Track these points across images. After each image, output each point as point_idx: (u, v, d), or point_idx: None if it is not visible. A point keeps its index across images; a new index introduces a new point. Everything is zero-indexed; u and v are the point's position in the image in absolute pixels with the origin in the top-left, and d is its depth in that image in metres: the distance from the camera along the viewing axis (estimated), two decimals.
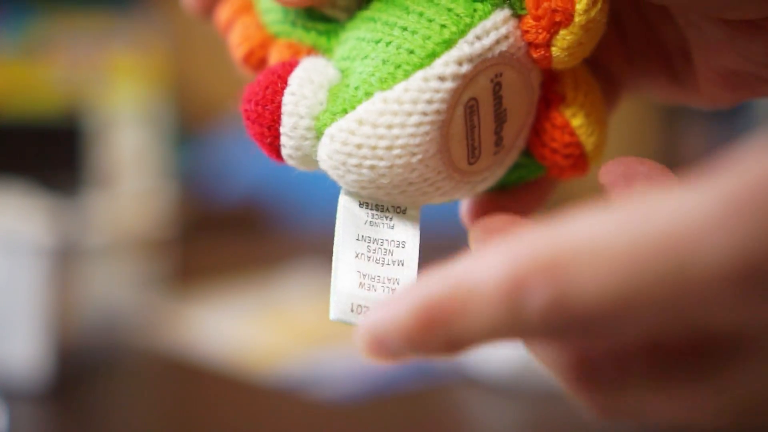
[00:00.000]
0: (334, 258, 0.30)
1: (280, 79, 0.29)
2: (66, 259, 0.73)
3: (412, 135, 0.28)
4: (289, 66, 0.29)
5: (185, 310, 0.91)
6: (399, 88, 0.28)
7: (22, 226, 0.72)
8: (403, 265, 0.30)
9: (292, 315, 0.90)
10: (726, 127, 1.96)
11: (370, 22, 0.29)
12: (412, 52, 0.28)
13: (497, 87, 0.29)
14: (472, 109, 0.28)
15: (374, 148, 0.28)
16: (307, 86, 0.29)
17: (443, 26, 0.28)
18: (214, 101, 1.59)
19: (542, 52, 0.29)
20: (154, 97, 1.36)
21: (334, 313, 0.29)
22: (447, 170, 0.29)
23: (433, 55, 0.28)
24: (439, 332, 0.21)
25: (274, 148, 0.30)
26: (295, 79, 0.29)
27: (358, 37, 0.29)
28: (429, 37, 0.28)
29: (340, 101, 0.28)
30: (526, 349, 0.25)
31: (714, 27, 0.30)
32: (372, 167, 0.28)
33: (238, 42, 0.32)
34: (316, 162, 0.29)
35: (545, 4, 0.28)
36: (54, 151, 1.32)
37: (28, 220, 0.73)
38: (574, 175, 0.31)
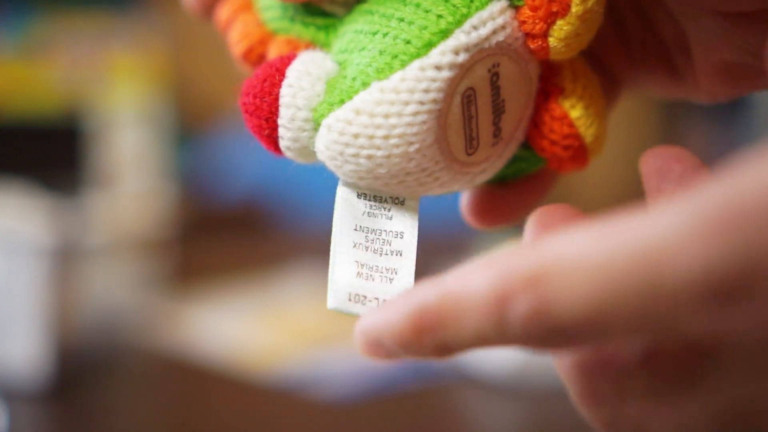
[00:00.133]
0: (331, 248, 0.30)
1: (278, 72, 0.29)
2: (66, 259, 0.73)
3: (409, 124, 0.28)
4: (287, 59, 0.30)
5: (185, 310, 0.91)
6: (396, 77, 0.28)
7: (22, 226, 0.72)
8: (401, 255, 0.30)
9: (292, 315, 0.90)
10: (726, 127, 1.96)
11: (368, 15, 0.29)
12: (408, 42, 0.28)
13: (495, 77, 0.29)
14: (469, 99, 0.29)
15: (371, 137, 0.28)
16: (304, 78, 0.29)
17: (440, 16, 0.28)
18: (214, 101, 1.59)
19: (539, 43, 0.29)
20: (154, 97, 1.36)
21: (331, 303, 0.30)
22: (445, 161, 0.29)
23: (429, 45, 0.28)
24: (430, 337, 0.22)
25: (272, 140, 0.30)
26: (293, 71, 0.29)
27: (356, 30, 0.29)
28: (425, 27, 0.28)
29: (338, 92, 0.29)
30: (551, 359, 0.27)
31: (711, 20, 0.30)
32: (369, 157, 0.28)
33: (237, 39, 0.32)
34: (314, 153, 0.30)
35: None
36: (54, 151, 1.32)
37: (28, 220, 0.73)
38: (574, 168, 0.32)
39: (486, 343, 0.22)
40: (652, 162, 0.28)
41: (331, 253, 0.30)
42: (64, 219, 0.76)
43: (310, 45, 0.31)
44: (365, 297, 0.29)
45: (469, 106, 0.29)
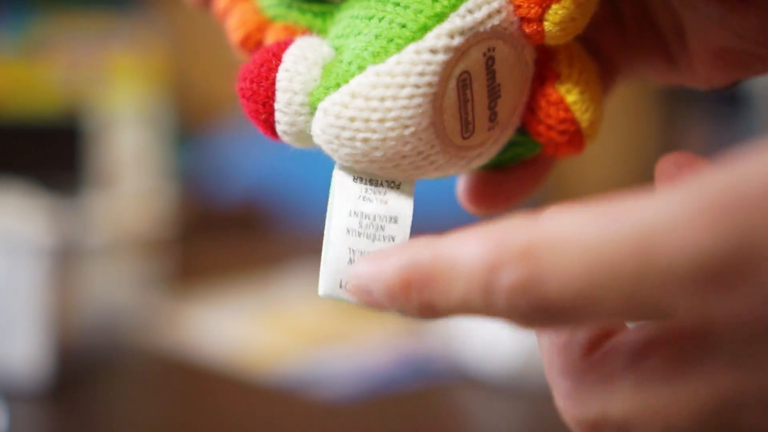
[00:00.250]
0: (324, 233, 0.30)
1: (274, 57, 0.29)
2: (66, 259, 0.73)
3: (405, 107, 0.28)
4: (284, 44, 0.30)
5: (185, 310, 0.91)
6: (391, 61, 0.28)
7: (22, 226, 0.72)
8: (393, 240, 0.30)
9: (292, 315, 0.90)
10: (726, 126, 1.96)
11: (364, 1, 0.29)
12: (404, 26, 0.28)
13: (490, 61, 0.29)
14: (464, 82, 0.29)
15: (367, 120, 0.28)
16: (301, 63, 0.29)
17: (435, 0, 0.28)
18: (214, 101, 1.59)
19: (535, 27, 0.29)
20: (154, 97, 1.36)
21: (322, 289, 0.30)
22: (441, 144, 0.29)
23: (424, 29, 0.28)
24: (417, 294, 0.23)
25: (269, 125, 0.30)
26: (289, 56, 0.29)
27: (352, 16, 0.29)
28: (421, 11, 0.28)
29: (334, 76, 0.29)
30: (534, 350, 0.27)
31: (707, 5, 0.30)
32: (365, 140, 0.29)
33: (235, 26, 0.32)
34: (311, 138, 0.30)
35: None
36: (54, 151, 1.32)
37: (28, 220, 0.73)
38: (570, 153, 0.32)
39: (471, 310, 0.22)
40: (666, 167, 0.28)
41: (324, 238, 0.30)
42: (64, 219, 0.76)
43: (307, 31, 0.31)
44: None
45: (465, 89, 0.29)
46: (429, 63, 0.28)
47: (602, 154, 1.92)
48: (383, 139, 0.28)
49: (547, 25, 0.29)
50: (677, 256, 0.20)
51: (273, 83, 0.29)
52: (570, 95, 0.31)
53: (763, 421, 0.22)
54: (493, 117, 0.30)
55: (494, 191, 0.34)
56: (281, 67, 0.29)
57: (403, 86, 0.28)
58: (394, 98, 0.28)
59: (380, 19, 0.28)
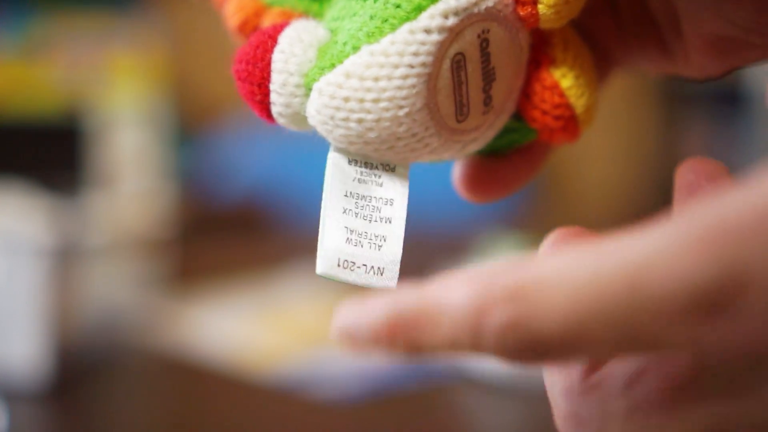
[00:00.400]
0: (321, 213, 0.30)
1: (270, 39, 0.29)
2: (66, 259, 0.73)
3: (399, 87, 0.28)
4: (280, 27, 0.30)
5: (185, 310, 0.91)
6: (386, 41, 0.28)
7: (22, 226, 0.72)
8: (390, 222, 0.30)
9: (292, 315, 0.90)
10: (726, 125, 1.96)
11: None
12: (398, 6, 0.28)
13: (484, 43, 0.29)
14: (459, 64, 0.29)
15: (361, 101, 0.28)
16: (297, 45, 0.29)
17: None
18: (214, 101, 1.59)
19: (529, 10, 0.29)
20: (154, 97, 1.36)
21: (320, 268, 0.30)
22: (435, 126, 0.29)
23: (419, 9, 0.28)
24: (403, 338, 0.23)
25: (265, 107, 0.30)
26: (285, 38, 0.29)
27: None
28: None
29: (329, 57, 0.29)
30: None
31: None
32: (359, 120, 0.29)
33: (232, 12, 0.32)
34: (306, 119, 0.30)
35: None
36: (54, 151, 1.32)
37: (28, 220, 0.73)
38: (566, 140, 0.32)
39: (459, 349, 0.23)
40: (685, 175, 0.28)
41: (321, 218, 0.30)
42: (64, 219, 0.76)
43: (304, 16, 0.31)
44: (354, 263, 0.30)
45: (459, 71, 0.29)
46: (423, 43, 0.28)
47: (602, 154, 1.92)
48: (378, 120, 0.29)
49: (542, 8, 0.29)
50: (665, 287, 0.20)
51: (268, 64, 0.29)
52: (565, 80, 0.31)
53: None
54: (487, 101, 0.30)
55: (490, 178, 0.34)
56: (277, 49, 0.29)
57: (397, 66, 0.28)
58: (389, 78, 0.28)
59: (375, 0, 0.29)
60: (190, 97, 1.58)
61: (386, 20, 0.28)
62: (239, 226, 1.33)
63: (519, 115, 0.32)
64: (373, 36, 0.28)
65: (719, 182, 0.27)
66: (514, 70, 0.30)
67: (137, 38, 1.36)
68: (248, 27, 0.32)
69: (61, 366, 0.72)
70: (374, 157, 0.30)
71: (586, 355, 0.23)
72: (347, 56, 0.28)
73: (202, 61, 1.51)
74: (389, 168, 0.30)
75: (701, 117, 2.01)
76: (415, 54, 0.28)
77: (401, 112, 0.28)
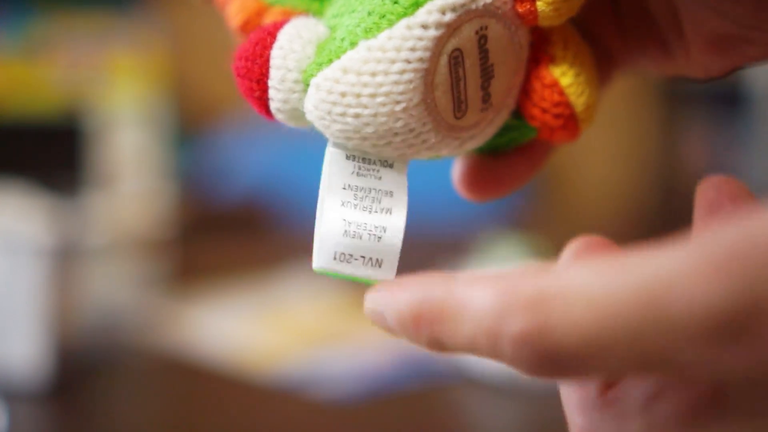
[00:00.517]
0: (318, 207, 0.30)
1: (269, 35, 0.30)
2: (66, 259, 0.73)
3: (396, 83, 0.28)
4: (280, 24, 0.30)
5: (185, 310, 0.91)
6: (383, 36, 0.28)
7: (22, 226, 0.72)
8: (390, 213, 0.30)
9: (292, 315, 0.90)
10: (726, 125, 1.96)
11: None
12: (396, 2, 0.28)
13: (482, 40, 0.29)
14: (456, 60, 0.29)
15: (358, 96, 0.28)
16: (296, 41, 0.29)
17: None
18: (214, 101, 1.59)
19: (528, 7, 0.29)
20: (154, 97, 1.36)
21: (317, 262, 0.30)
22: (433, 122, 0.29)
23: (416, 5, 0.28)
24: (426, 329, 0.23)
25: (263, 103, 0.30)
26: (284, 34, 0.29)
27: None
28: None
29: (326, 52, 0.29)
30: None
31: None
32: (356, 115, 0.29)
33: (235, 12, 0.32)
34: (305, 115, 0.30)
35: None
36: (54, 151, 1.32)
37: (28, 220, 0.73)
38: (566, 138, 0.32)
39: (477, 351, 0.23)
40: (707, 192, 0.28)
41: (318, 212, 0.30)
42: (64, 219, 0.76)
43: (305, 15, 0.31)
44: (351, 255, 0.29)
45: (457, 67, 0.29)
46: (420, 38, 0.28)
47: (602, 154, 1.91)
48: (374, 115, 0.29)
49: (540, 5, 0.29)
50: (686, 309, 0.20)
51: (267, 60, 0.29)
52: (565, 78, 0.31)
53: None
54: (486, 98, 0.30)
55: (490, 177, 0.34)
56: (275, 45, 0.29)
57: (394, 61, 0.28)
58: (386, 73, 0.28)
59: None
60: (190, 97, 1.58)
61: (384, 16, 0.28)
62: (239, 226, 1.33)
63: (519, 114, 0.32)
64: (370, 31, 0.28)
65: (741, 203, 0.27)
66: (513, 67, 0.30)
67: (137, 38, 1.36)
68: (250, 26, 0.32)
69: (61, 366, 0.72)
70: (372, 153, 0.30)
71: (603, 371, 0.23)
72: (344, 52, 0.28)
73: (202, 61, 1.51)
74: (387, 164, 0.30)
75: (701, 117, 2.01)
76: (412, 49, 0.28)
77: (398, 108, 0.28)
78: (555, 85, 0.31)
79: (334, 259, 0.29)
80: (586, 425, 0.26)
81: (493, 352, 0.22)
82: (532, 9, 0.29)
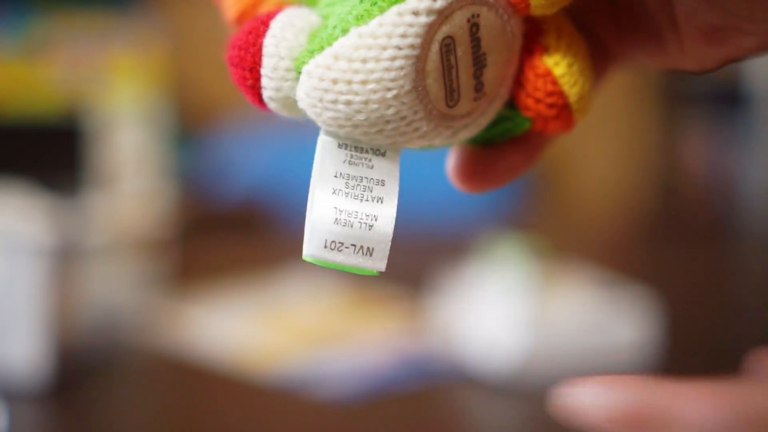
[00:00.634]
0: (309, 195, 0.30)
1: (262, 24, 0.30)
2: (66, 259, 0.73)
3: (387, 69, 0.28)
4: (273, 13, 0.30)
5: (185, 310, 0.91)
6: (374, 23, 0.28)
7: (22, 226, 0.72)
8: (382, 202, 0.30)
9: (292, 315, 0.90)
10: (726, 125, 1.96)
11: None
12: None
13: (474, 28, 0.29)
14: (448, 47, 0.29)
15: (349, 82, 0.28)
16: (288, 29, 0.29)
17: None
18: (214, 101, 1.59)
19: None
20: (154, 97, 1.36)
21: (307, 250, 0.29)
22: (424, 110, 0.29)
23: None
24: None
25: (256, 91, 0.30)
26: (277, 23, 0.29)
27: None
28: None
29: (318, 40, 0.29)
30: None
31: None
32: (348, 102, 0.29)
33: (230, 4, 0.32)
34: (297, 104, 0.30)
35: None
36: (54, 151, 1.32)
37: (28, 220, 0.73)
38: (560, 129, 0.32)
39: None
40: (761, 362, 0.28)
41: (309, 200, 0.30)
42: (64, 219, 0.76)
43: (299, 5, 0.31)
44: (342, 243, 0.29)
45: (448, 55, 0.29)
46: (411, 25, 0.28)
47: (602, 154, 1.91)
48: (366, 102, 0.29)
49: None
50: None
51: (260, 49, 0.29)
52: (558, 68, 0.31)
53: None
54: (479, 87, 0.30)
55: (484, 169, 0.33)
56: (268, 33, 0.29)
57: (385, 48, 0.28)
58: (377, 60, 0.28)
59: None
60: (190, 97, 1.58)
61: (375, 3, 0.28)
62: (239, 226, 1.33)
63: (513, 104, 0.32)
64: (362, 18, 0.28)
65: None
66: (505, 56, 0.30)
67: (137, 38, 1.36)
68: (246, 18, 0.32)
69: (61, 366, 0.72)
70: (364, 141, 0.30)
71: None
72: (336, 39, 0.29)
73: (202, 61, 1.51)
74: (379, 153, 0.30)
75: (701, 117, 2.01)
76: (403, 36, 0.28)
77: (389, 94, 0.28)
78: (548, 74, 0.31)
79: (325, 247, 0.29)
80: None
81: None
82: None
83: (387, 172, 0.30)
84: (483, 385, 0.75)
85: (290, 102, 0.30)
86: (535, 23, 0.31)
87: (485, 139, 0.33)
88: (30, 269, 0.70)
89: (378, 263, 0.29)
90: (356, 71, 0.28)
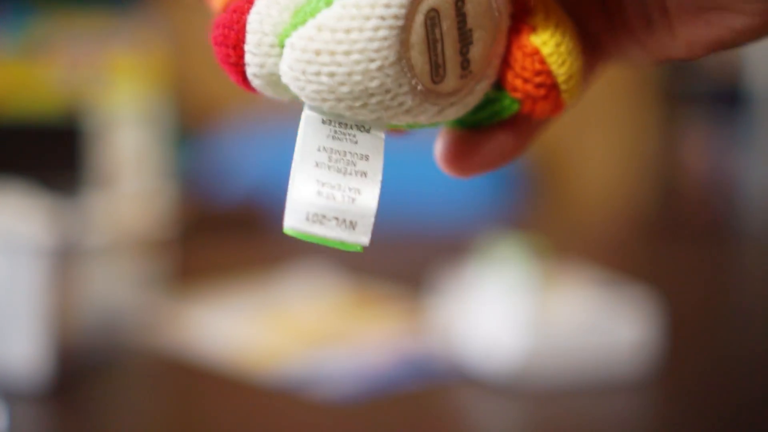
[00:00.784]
0: (292, 168, 0.29)
1: (247, 2, 0.30)
2: (66, 259, 0.73)
3: (370, 39, 0.28)
4: None
5: (185, 310, 0.91)
6: None
7: (22, 226, 0.72)
8: (365, 176, 0.30)
9: (292, 315, 0.90)
10: (726, 125, 1.96)
11: None
12: None
13: (460, 2, 0.29)
14: (433, 20, 0.29)
15: (333, 53, 0.28)
16: (273, 6, 0.29)
17: None
18: (214, 101, 1.59)
19: None
20: (154, 97, 1.36)
21: (288, 222, 0.29)
22: (409, 84, 0.29)
23: None
24: None
25: (239, 69, 0.30)
26: (261, 0, 0.29)
27: None
28: None
29: (302, 13, 0.29)
30: None
31: None
32: (331, 74, 0.28)
33: None
34: (281, 80, 0.30)
35: None
36: (54, 151, 1.32)
37: (28, 220, 0.73)
38: (549, 111, 0.31)
39: None
40: None
41: (291, 172, 0.29)
42: (64, 219, 0.76)
43: None
44: (324, 216, 0.29)
45: (433, 28, 0.29)
46: None
47: (602, 153, 1.91)
48: (349, 74, 0.28)
49: None
50: None
51: (244, 26, 0.29)
52: (546, 47, 0.31)
53: None
54: (465, 64, 0.30)
55: (472, 152, 0.33)
56: (253, 10, 0.29)
57: (368, 18, 0.28)
58: (360, 30, 0.28)
59: None
60: (190, 97, 1.58)
61: None
62: (239, 226, 1.33)
63: (501, 86, 0.32)
64: None
65: None
66: (492, 35, 0.30)
67: (137, 38, 1.36)
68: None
69: (61, 366, 0.72)
70: (348, 116, 0.30)
71: None
72: (319, 10, 0.28)
73: (202, 61, 1.51)
74: (364, 129, 0.30)
75: (701, 117, 2.01)
76: (387, 5, 0.28)
77: (373, 65, 0.28)
78: (536, 53, 0.31)
79: (307, 219, 0.29)
80: None
81: None
82: None
83: (371, 148, 0.30)
84: (483, 385, 0.75)
85: (275, 79, 0.30)
86: (522, 3, 0.31)
87: (473, 122, 0.33)
88: (30, 269, 0.70)
89: (361, 237, 0.29)
90: (339, 41, 0.28)
